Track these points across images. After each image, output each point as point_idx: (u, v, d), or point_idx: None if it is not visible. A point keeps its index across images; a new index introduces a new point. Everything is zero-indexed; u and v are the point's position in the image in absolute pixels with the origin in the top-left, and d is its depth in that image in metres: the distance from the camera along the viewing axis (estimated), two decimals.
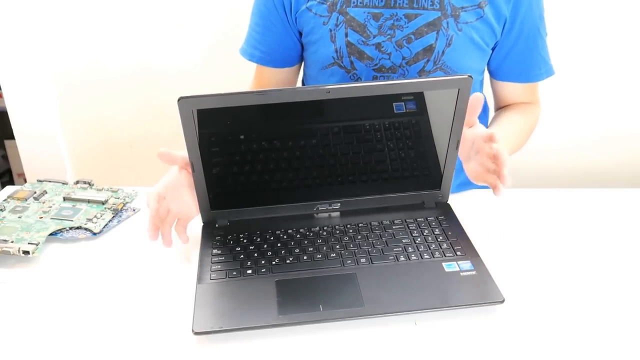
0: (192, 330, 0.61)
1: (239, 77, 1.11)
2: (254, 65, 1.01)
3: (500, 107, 1.00)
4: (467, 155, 0.78)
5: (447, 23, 0.85)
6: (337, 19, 0.87)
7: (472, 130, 0.76)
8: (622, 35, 1.24)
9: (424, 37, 0.86)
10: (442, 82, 0.71)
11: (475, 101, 0.73)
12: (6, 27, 1.29)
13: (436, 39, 0.86)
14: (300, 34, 0.93)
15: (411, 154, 0.78)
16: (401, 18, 0.86)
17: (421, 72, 0.88)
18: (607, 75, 1.28)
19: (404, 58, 0.87)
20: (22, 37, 1.31)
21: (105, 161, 1.49)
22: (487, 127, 0.90)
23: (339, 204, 0.79)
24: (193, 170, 0.73)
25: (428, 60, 0.87)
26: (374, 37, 0.87)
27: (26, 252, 0.74)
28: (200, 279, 0.68)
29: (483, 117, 1.03)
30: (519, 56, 0.91)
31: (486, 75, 0.99)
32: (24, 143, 1.43)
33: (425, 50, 0.87)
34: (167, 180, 0.76)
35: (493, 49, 0.91)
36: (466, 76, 0.70)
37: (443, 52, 0.87)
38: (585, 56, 1.26)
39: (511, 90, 0.97)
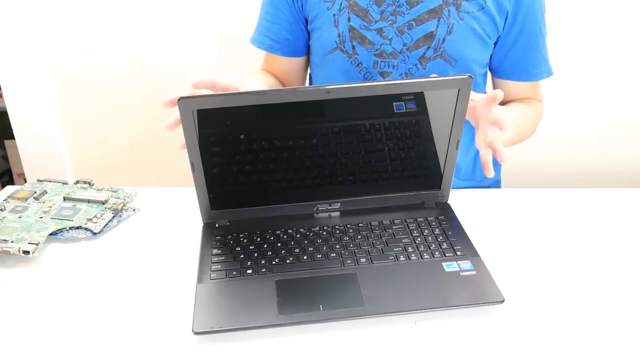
0: (192, 330, 0.61)
1: None
2: (256, 64, 1.01)
3: None
4: (475, 123, 0.78)
5: (449, 11, 0.86)
6: (341, 4, 0.89)
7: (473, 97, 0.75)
8: (623, 35, 1.24)
9: (425, 24, 0.87)
10: (442, 82, 0.71)
11: None
12: (6, 27, 1.29)
13: (437, 27, 0.87)
14: (307, 21, 0.94)
15: (411, 153, 0.78)
16: (403, 4, 0.87)
17: (421, 59, 0.89)
18: (608, 75, 1.28)
19: (404, 44, 0.88)
20: (22, 37, 1.31)
21: (105, 161, 1.49)
22: None
23: (339, 204, 0.79)
24: (193, 170, 0.73)
25: (428, 47, 0.88)
26: (375, 23, 0.88)
27: (26, 252, 0.74)
28: (200, 279, 0.68)
29: None
30: (520, 53, 0.92)
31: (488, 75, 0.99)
32: (24, 143, 1.43)
33: (425, 37, 0.87)
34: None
35: (496, 44, 0.92)
36: (466, 76, 0.70)
37: (443, 39, 0.87)
38: (586, 56, 1.26)
39: (513, 89, 0.97)
